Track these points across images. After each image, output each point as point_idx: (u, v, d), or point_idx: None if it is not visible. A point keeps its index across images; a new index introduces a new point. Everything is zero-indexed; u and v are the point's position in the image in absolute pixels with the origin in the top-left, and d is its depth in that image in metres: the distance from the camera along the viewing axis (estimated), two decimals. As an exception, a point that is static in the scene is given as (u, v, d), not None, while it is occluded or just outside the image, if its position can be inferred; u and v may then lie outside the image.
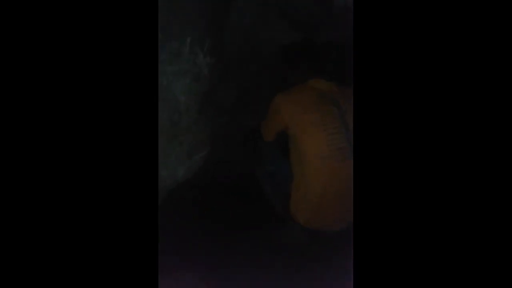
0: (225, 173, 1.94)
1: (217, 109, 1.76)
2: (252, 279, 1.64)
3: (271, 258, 1.74)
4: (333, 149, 1.52)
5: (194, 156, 1.62)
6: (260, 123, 1.72)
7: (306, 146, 1.54)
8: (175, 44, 1.37)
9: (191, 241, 1.79)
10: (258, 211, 1.94)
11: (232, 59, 1.84)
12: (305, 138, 1.54)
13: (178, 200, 1.72)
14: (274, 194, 1.78)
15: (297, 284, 1.61)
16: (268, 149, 1.77)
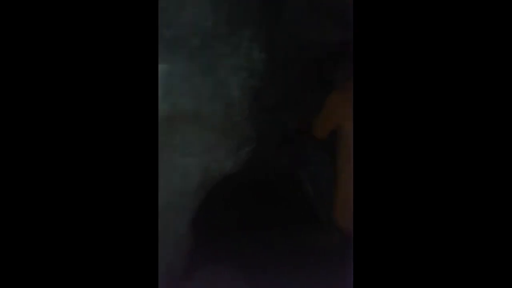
0: (267, 171, 1.94)
1: (265, 107, 1.76)
2: (285, 281, 1.63)
3: (307, 260, 1.72)
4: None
5: (242, 151, 1.63)
6: (310, 122, 1.70)
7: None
8: (235, 38, 1.38)
9: (228, 235, 1.79)
10: (297, 212, 1.92)
11: (284, 57, 1.84)
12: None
13: (223, 194, 1.72)
14: (316, 197, 1.75)
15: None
16: (313, 149, 1.75)
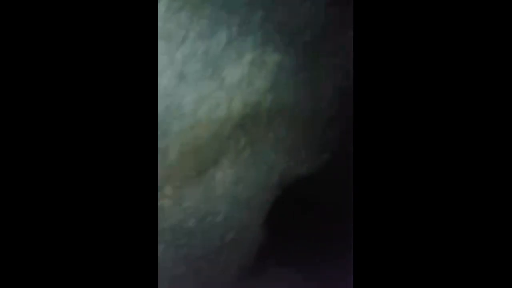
0: (339, 182, 1.89)
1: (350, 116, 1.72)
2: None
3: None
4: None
5: (321, 156, 1.59)
6: None
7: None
8: (339, 37, 1.35)
9: (296, 239, 1.77)
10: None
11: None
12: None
13: (295, 197, 1.70)
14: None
15: None
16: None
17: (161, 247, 1.29)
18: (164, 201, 1.29)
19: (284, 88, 1.32)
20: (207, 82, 1.24)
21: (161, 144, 1.20)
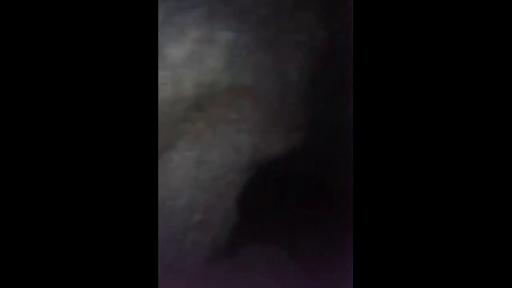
0: (318, 158, 1.89)
1: (323, 89, 1.70)
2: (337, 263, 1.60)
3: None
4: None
5: (292, 135, 1.59)
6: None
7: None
8: (301, 14, 1.33)
9: (276, 215, 1.77)
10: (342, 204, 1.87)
11: (347, 40, 1.77)
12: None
13: (270, 175, 1.70)
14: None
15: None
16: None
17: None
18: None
19: (242, 68, 1.29)
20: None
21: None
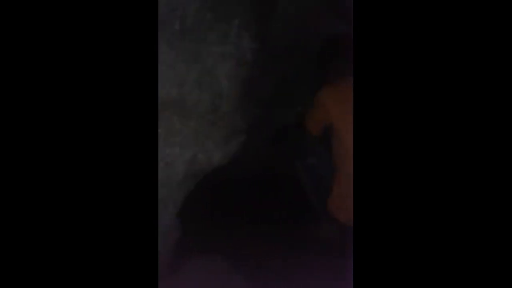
0: (261, 163, 1.91)
1: (257, 97, 1.72)
2: (279, 272, 1.62)
3: (301, 251, 1.70)
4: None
5: (231, 142, 1.60)
6: (305, 116, 1.68)
7: (351, 141, 1.48)
8: (223, 25, 1.34)
9: (220, 227, 1.78)
10: (291, 203, 1.90)
11: (277, 48, 1.80)
12: (351, 133, 1.48)
13: (212, 185, 1.70)
14: (313, 188, 1.73)
15: (323, 280, 1.57)
16: (310, 141, 1.72)
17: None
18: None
19: (168, 81, 1.29)
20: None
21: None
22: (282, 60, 1.89)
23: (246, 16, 1.43)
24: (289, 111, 1.93)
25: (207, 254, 1.63)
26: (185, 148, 1.40)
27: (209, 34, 1.31)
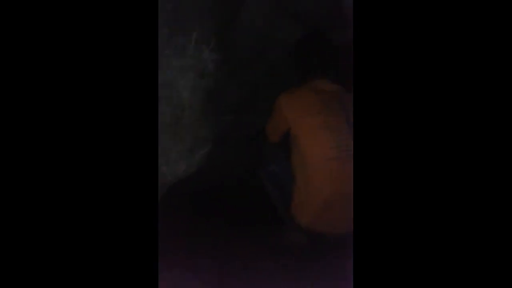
0: (227, 172, 1.93)
1: (221, 107, 1.74)
2: (251, 280, 1.62)
3: (270, 259, 1.72)
4: (336, 152, 1.50)
5: (196, 153, 1.61)
6: (266, 124, 1.71)
7: (309, 147, 1.52)
8: (181, 39, 1.36)
9: (190, 239, 1.77)
10: (259, 211, 1.92)
11: (239, 57, 1.82)
12: (308, 139, 1.52)
13: (178, 197, 1.70)
14: (276, 195, 1.76)
15: (296, 286, 1.59)
16: (272, 149, 1.75)
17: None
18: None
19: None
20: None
21: None
22: (245, 69, 1.92)
23: (205, 29, 1.45)
24: (254, 120, 1.96)
25: (177, 268, 1.63)
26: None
27: (167, 48, 1.32)
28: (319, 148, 1.51)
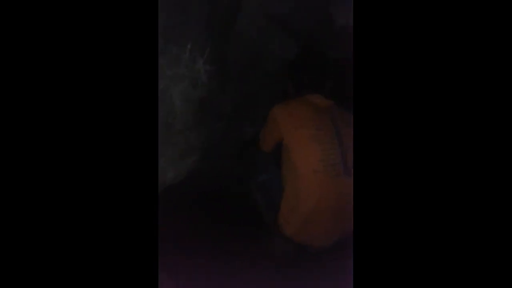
0: (216, 180, 1.93)
1: (213, 116, 1.76)
2: (251, 280, 1.62)
3: (258, 267, 1.72)
4: (326, 165, 1.52)
5: (185, 160, 1.62)
6: (260, 133, 1.73)
7: (299, 159, 1.54)
8: (175, 49, 1.38)
9: (175, 246, 1.77)
10: (246, 220, 1.92)
11: (233, 69, 1.85)
12: (299, 151, 1.54)
13: (165, 204, 1.70)
14: (264, 204, 1.77)
15: (296, 286, 1.59)
16: (262, 158, 1.77)
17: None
18: None
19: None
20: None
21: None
22: (239, 80, 1.94)
23: (200, 40, 1.48)
24: (245, 129, 1.98)
25: (161, 280, 1.62)
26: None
27: (161, 57, 1.34)
28: (308, 160, 1.53)
